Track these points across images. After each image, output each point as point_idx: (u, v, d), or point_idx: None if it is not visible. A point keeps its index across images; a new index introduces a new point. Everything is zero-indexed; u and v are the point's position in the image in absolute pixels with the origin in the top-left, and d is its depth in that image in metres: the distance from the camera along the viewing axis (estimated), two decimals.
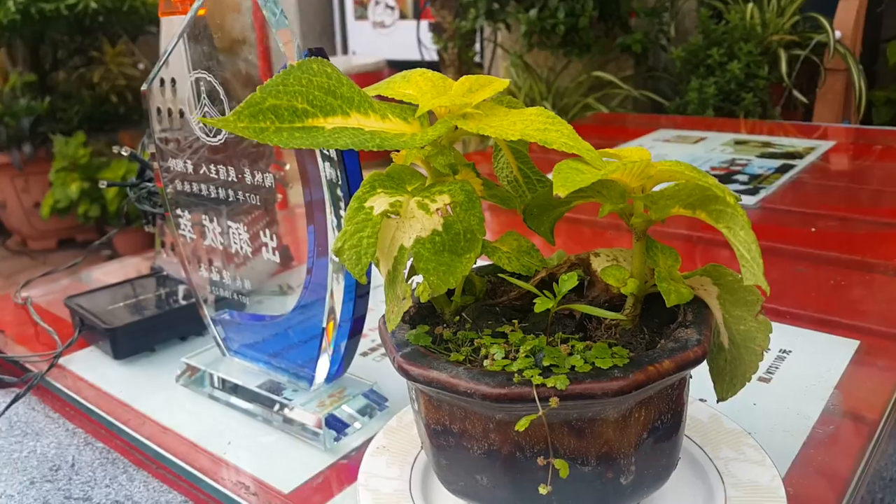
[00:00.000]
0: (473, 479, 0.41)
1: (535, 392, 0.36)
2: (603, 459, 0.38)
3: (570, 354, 0.38)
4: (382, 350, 0.69)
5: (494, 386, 0.36)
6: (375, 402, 0.59)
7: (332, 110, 0.39)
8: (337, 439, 0.55)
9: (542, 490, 0.36)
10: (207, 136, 0.55)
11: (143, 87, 0.60)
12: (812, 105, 2.23)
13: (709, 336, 0.40)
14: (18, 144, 3.46)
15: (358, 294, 0.55)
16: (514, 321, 0.42)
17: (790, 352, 0.63)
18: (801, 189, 1.09)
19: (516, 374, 0.37)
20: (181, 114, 0.63)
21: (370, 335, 0.71)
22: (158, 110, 0.63)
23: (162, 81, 0.62)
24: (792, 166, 1.18)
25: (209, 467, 0.54)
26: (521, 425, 0.35)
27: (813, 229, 0.91)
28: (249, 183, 0.54)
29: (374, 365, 0.66)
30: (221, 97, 0.53)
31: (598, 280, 0.43)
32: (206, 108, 0.54)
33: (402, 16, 3.83)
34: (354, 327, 0.57)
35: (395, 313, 0.41)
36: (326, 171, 0.51)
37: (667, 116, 2.03)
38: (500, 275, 0.47)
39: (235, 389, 0.60)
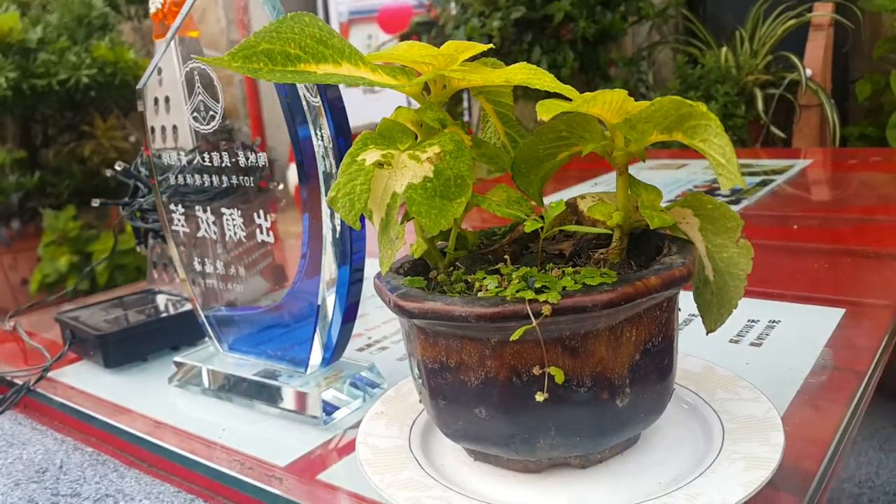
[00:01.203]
0: (472, 414, 0.41)
1: (528, 307, 0.36)
2: (597, 379, 0.39)
3: (561, 278, 0.39)
4: (378, 345, 0.69)
5: (489, 306, 0.37)
6: (371, 385, 0.59)
7: (323, 58, 0.41)
8: (331, 419, 0.55)
9: (539, 397, 0.36)
10: (201, 123, 0.57)
11: (139, 87, 0.62)
12: (790, 140, 2.29)
13: (692, 261, 0.41)
14: (7, 221, 3.47)
15: (351, 280, 0.56)
16: (506, 258, 0.43)
17: (779, 321, 0.64)
18: (781, 197, 1.11)
19: (510, 296, 0.38)
20: (174, 129, 0.65)
21: (365, 334, 0.72)
22: (153, 129, 0.64)
23: (156, 100, 0.64)
24: (772, 181, 1.21)
25: (203, 451, 0.53)
26: (516, 335, 0.36)
27: (795, 227, 0.93)
28: (243, 165, 0.55)
29: (369, 357, 0.67)
30: (216, 83, 0.55)
31: (586, 220, 0.44)
32: (200, 96, 0.56)
33: None
34: (348, 313, 0.57)
35: (388, 257, 0.42)
36: (323, 163, 0.52)
37: (651, 150, 2.08)
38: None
39: (230, 381, 0.60)
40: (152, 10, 0.78)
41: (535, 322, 0.36)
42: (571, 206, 0.45)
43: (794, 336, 0.61)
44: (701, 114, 0.36)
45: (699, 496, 0.38)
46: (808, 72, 2.22)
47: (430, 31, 2.92)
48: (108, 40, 3.35)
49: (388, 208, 0.41)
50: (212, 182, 0.58)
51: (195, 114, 0.57)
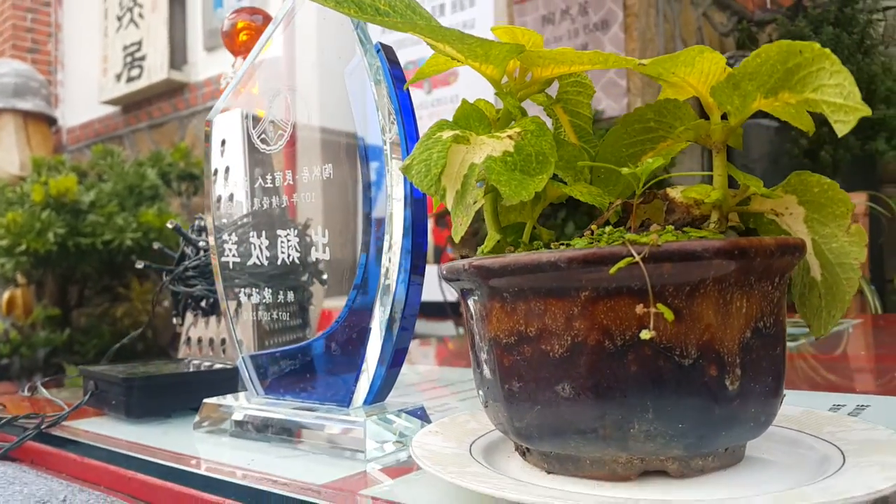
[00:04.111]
0: (553, 394, 0.35)
1: (630, 247, 0.33)
2: (705, 350, 0.34)
3: (661, 235, 0.35)
4: None
5: (581, 249, 0.34)
6: (419, 423, 0.52)
7: (409, 22, 0.41)
8: (375, 454, 0.49)
9: (645, 335, 0.31)
10: (269, 145, 0.56)
11: (208, 119, 0.62)
12: None
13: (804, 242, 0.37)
14: (30, 375, 3.43)
15: (403, 325, 0.53)
16: (591, 228, 0.40)
17: (868, 405, 0.58)
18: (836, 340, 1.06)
19: (605, 242, 0.34)
20: (231, 197, 0.65)
21: None
22: (219, 197, 0.64)
23: (216, 171, 0.65)
24: None
25: (229, 473, 0.47)
26: (617, 267, 0.32)
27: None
28: (307, 181, 0.54)
29: None
30: (289, 101, 0.55)
31: (678, 205, 0.41)
32: (271, 118, 0.56)
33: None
34: (396, 357, 0.53)
35: (463, 224, 0.39)
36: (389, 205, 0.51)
37: None
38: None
39: (263, 420, 0.54)
40: (223, 85, 0.81)
41: (637, 257, 0.32)
42: (661, 195, 0.42)
43: (892, 412, 0.55)
44: (812, 59, 0.34)
45: (832, 488, 0.31)
46: None
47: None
48: (157, 208, 3.49)
49: (466, 178, 0.39)
50: (271, 203, 0.56)
51: (262, 136, 0.57)
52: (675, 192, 0.41)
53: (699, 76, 0.39)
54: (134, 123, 4.32)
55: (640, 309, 0.32)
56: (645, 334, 0.31)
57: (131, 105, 4.27)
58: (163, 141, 4.17)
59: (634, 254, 0.32)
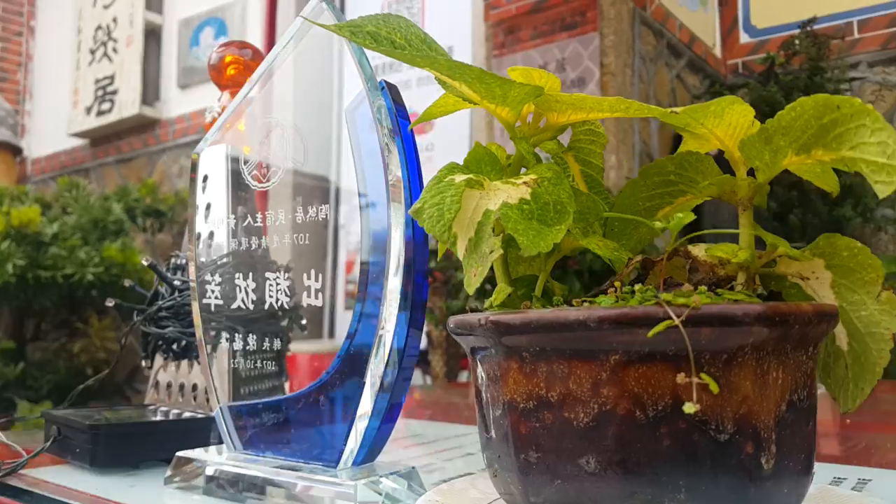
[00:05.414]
0: (576, 467, 0.32)
1: (667, 308, 0.30)
2: (741, 425, 0.31)
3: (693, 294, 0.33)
4: None
5: (613, 308, 0.31)
6: (412, 488, 0.49)
7: (427, 57, 0.39)
8: None
9: (689, 409, 0.29)
10: (260, 182, 0.53)
11: (194, 154, 0.59)
12: None
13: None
14: None
15: (400, 377, 0.50)
16: (616, 284, 0.37)
17: (870, 479, 0.56)
18: None
19: (637, 301, 0.32)
20: (211, 235, 0.62)
21: None
22: (199, 235, 0.61)
23: (196, 208, 0.62)
24: None
25: None
26: (656, 330, 0.29)
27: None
28: (301, 221, 0.51)
29: None
30: (286, 134, 0.52)
31: (702, 264, 0.39)
32: (267, 152, 0.53)
33: None
34: (390, 412, 0.50)
35: (478, 274, 0.36)
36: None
37: None
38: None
39: (242, 478, 0.50)
40: (208, 118, 0.78)
41: (677, 320, 0.30)
42: (683, 252, 0.40)
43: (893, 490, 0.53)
44: (851, 115, 0.33)
45: None
46: None
47: (434, 257, 3.00)
48: (121, 243, 3.40)
49: (480, 226, 0.37)
50: (260, 244, 0.53)
51: (254, 171, 0.54)
52: (698, 250, 0.39)
53: (727, 129, 0.37)
54: (102, 157, 4.25)
55: (681, 378, 0.30)
56: (689, 408, 0.29)
57: (100, 139, 4.20)
58: (131, 176, 4.10)
59: (674, 316, 0.29)
